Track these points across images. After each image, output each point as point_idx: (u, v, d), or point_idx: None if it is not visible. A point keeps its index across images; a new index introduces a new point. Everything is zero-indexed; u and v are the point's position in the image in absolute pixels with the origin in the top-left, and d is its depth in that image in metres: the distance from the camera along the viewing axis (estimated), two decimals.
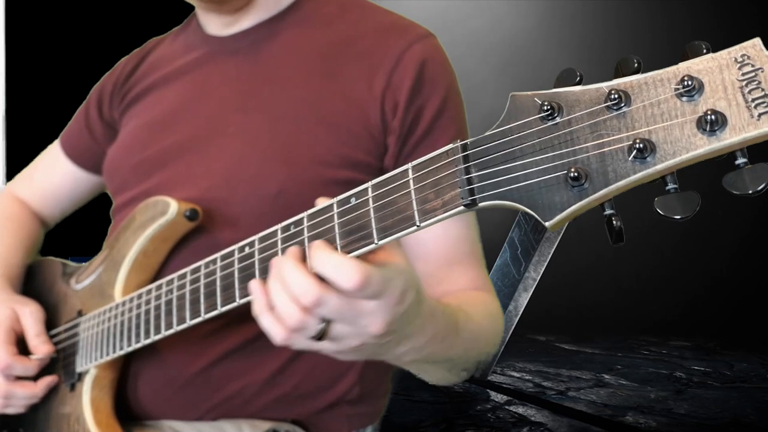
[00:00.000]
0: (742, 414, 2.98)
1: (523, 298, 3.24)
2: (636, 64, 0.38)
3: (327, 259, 0.49)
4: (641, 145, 0.34)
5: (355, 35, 0.83)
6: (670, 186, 0.35)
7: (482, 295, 0.78)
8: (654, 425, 2.78)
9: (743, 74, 0.33)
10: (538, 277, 3.20)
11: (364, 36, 0.82)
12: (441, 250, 0.79)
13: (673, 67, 0.35)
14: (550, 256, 3.16)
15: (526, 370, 3.68)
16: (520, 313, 3.26)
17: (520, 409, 2.94)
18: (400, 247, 0.52)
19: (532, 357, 3.96)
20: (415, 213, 0.46)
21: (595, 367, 3.80)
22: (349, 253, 0.52)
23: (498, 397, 3.11)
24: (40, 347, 0.85)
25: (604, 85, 0.38)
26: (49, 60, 2.99)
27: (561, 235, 3.09)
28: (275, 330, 0.52)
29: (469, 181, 0.43)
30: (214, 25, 0.92)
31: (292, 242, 0.57)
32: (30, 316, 0.87)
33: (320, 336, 0.51)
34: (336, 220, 0.53)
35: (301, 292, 0.49)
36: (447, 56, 0.83)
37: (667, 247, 4.77)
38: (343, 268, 0.47)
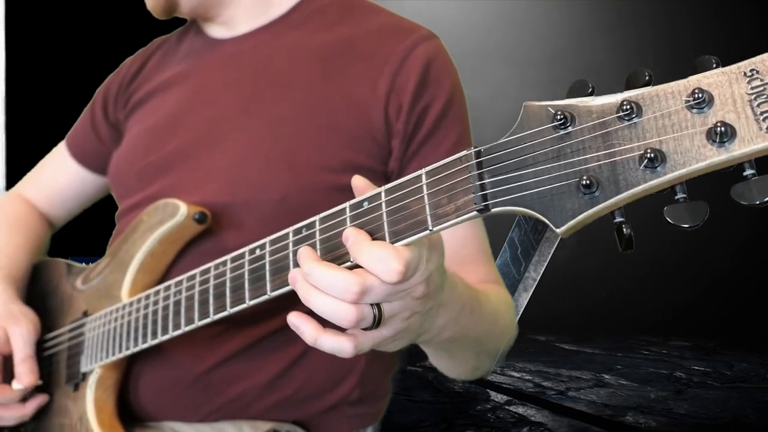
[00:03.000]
0: (742, 414, 2.99)
1: (523, 298, 3.24)
2: (647, 77, 0.39)
3: (368, 250, 0.48)
4: (652, 155, 0.35)
5: (358, 37, 0.83)
6: (680, 195, 0.37)
7: (495, 287, 0.79)
8: (654, 425, 2.79)
9: (752, 88, 0.34)
10: (538, 277, 3.21)
11: (367, 37, 0.82)
12: (450, 249, 0.78)
13: (684, 81, 0.37)
14: (550, 256, 3.17)
15: (526, 370, 3.69)
16: (520, 313, 3.27)
17: (520, 409, 2.94)
18: None
19: (532, 357, 3.96)
20: (428, 217, 0.47)
21: (595, 367, 3.80)
22: None
23: (498, 397, 3.12)
24: (24, 376, 0.82)
25: (616, 97, 0.39)
26: (50, 61, 3.00)
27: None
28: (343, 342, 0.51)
29: (482, 187, 0.44)
30: (213, 27, 0.93)
31: (303, 245, 0.58)
32: (20, 336, 0.84)
33: (377, 322, 0.50)
34: (348, 224, 0.54)
35: (342, 290, 0.48)
36: (450, 57, 0.83)
37: (666, 247, 4.78)
38: (384, 260, 0.47)
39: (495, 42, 4.97)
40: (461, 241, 0.80)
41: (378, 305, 0.50)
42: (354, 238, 0.50)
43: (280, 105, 0.81)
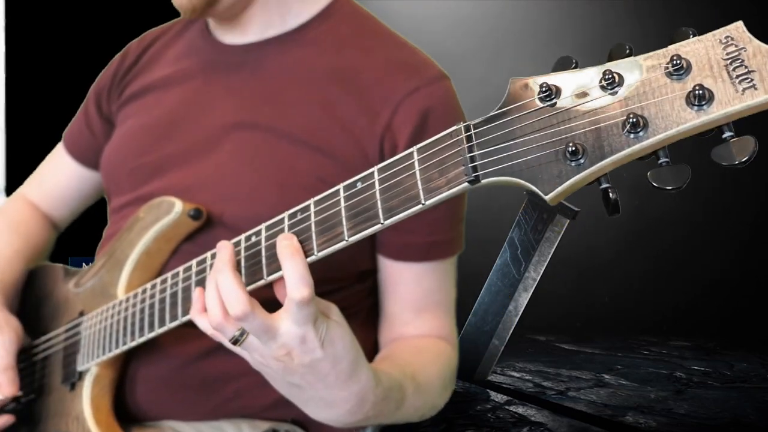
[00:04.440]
0: (742, 414, 2.99)
1: (523, 298, 3.24)
2: (628, 50, 0.40)
3: (294, 265, 0.55)
4: (634, 120, 0.36)
5: (364, 67, 0.81)
6: (662, 160, 0.38)
7: (442, 347, 0.82)
8: (654, 425, 2.79)
9: (728, 54, 0.35)
10: (538, 277, 3.20)
11: (372, 69, 0.81)
12: (414, 295, 0.82)
13: (663, 50, 0.38)
14: (550, 256, 3.17)
15: (526, 370, 3.68)
16: (520, 313, 3.27)
17: (520, 409, 2.94)
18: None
19: (532, 357, 3.95)
20: (420, 192, 0.49)
21: (595, 367, 3.79)
22: (356, 234, 0.55)
23: (498, 397, 3.12)
24: (3, 387, 0.82)
25: (599, 68, 0.40)
26: (49, 60, 3.00)
27: (561, 235, 3.10)
28: (204, 325, 0.63)
29: (472, 159, 0.45)
30: (221, 29, 0.91)
31: (298, 227, 0.59)
32: (1, 346, 0.84)
33: (235, 341, 0.59)
34: (342, 204, 0.56)
35: (231, 302, 0.57)
36: (457, 101, 0.82)
37: (666, 247, 4.77)
38: (304, 279, 0.55)
39: (507, 35, 4.96)
40: (425, 292, 0.83)
41: (244, 333, 0.58)
42: (287, 243, 0.58)
43: (279, 124, 0.81)
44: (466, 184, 0.45)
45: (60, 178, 1.09)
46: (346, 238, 0.55)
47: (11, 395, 0.83)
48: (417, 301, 0.82)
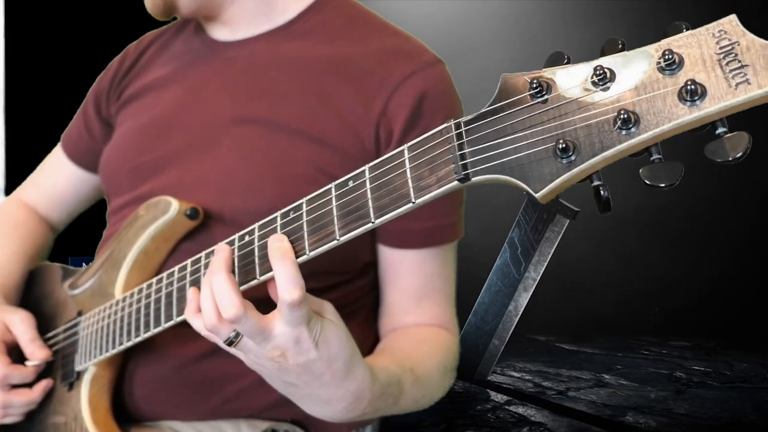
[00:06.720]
0: (742, 414, 2.98)
1: (523, 298, 3.24)
2: (620, 45, 0.39)
3: (285, 267, 0.55)
4: (625, 116, 0.36)
5: (358, 55, 0.81)
6: (655, 156, 0.37)
7: (443, 336, 0.82)
8: (654, 425, 2.78)
9: (721, 48, 0.35)
10: (538, 277, 3.20)
11: (367, 57, 0.80)
12: (415, 282, 0.82)
13: (655, 44, 0.37)
14: (550, 256, 3.17)
15: (526, 370, 3.68)
16: (520, 313, 3.26)
17: (520, 409, 2.94)
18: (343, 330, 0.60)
19: (532, 357, 3.95)
20: (411, 190, 0.48)
21: (595, 367, 3.79)
22: (347, 233, 0.54)
23: (498, 397, 3.11)
24: (37, 352, 0.85)
25: (591, 64, 0.40)
26: (49, 60, 3.00)
27: (561, 235, 3.10)
28: (198, 326, 0.62)
29: (462, 157, 0.45)
30: (213, 28, 0.92)
31: (290, 227, 0.59)
32: (21, 322, 0.86)
33: (229, 342, 0.59)
34: (334, 203, 0.55)
35: (224, 305, 0.56)
36: (452, 85, 0.81)
37: (667, 247, 4.77)
38: (294, 281, 0.54)
39: (505, 33, 4.95)
40: (426, 278, 0.82)
41: (239, 334, 0.58)
42: (278, 246, 0.57)
43: (275, 117, 0.80)
44: (456, 182, 0.45)
45: (58, 181, 1.09)
46: (338, 237, 0.54)
47: (45, 359, 0.85)
48: (418, 288, 0.82)
